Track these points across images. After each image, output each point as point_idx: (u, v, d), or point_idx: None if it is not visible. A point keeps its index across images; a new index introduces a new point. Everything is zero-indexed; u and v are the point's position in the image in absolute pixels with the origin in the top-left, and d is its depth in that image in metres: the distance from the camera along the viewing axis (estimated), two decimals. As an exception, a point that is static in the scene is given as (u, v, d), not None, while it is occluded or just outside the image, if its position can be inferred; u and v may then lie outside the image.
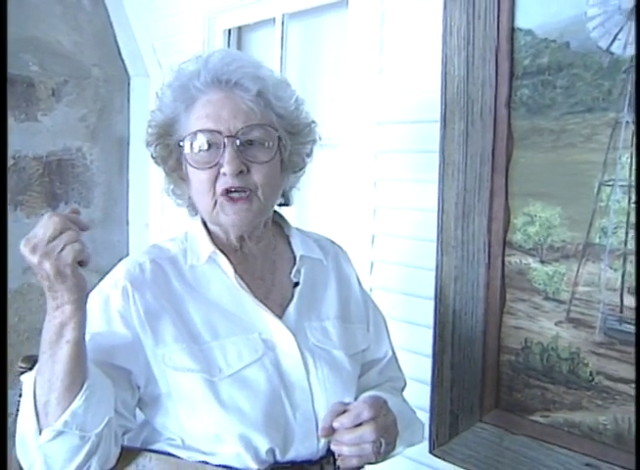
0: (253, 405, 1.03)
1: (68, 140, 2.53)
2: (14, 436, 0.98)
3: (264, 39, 2.19)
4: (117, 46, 2.63)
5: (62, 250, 0.87)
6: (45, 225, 0.88)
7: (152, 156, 1.16)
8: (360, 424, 0.96)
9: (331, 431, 0.96)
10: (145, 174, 2.64)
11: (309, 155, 1.20)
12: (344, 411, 0.97)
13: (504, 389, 1.42)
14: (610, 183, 1.22)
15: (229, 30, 2.30)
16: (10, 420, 2.11)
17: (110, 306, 1.05)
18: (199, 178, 1.08)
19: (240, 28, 2.30)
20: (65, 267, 0.88)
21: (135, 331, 1.04)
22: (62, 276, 0.88)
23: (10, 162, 2.35)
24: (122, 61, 2.65)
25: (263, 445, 1.02)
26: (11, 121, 2.33)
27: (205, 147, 1.06)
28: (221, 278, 1.12)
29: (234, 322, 1.09)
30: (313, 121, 1.19)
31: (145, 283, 1.08)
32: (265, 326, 1.10)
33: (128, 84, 2.67)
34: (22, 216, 2.38)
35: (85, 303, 0.93)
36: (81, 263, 0.90)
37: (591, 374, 1.27)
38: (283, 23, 2.06)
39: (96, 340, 0.98)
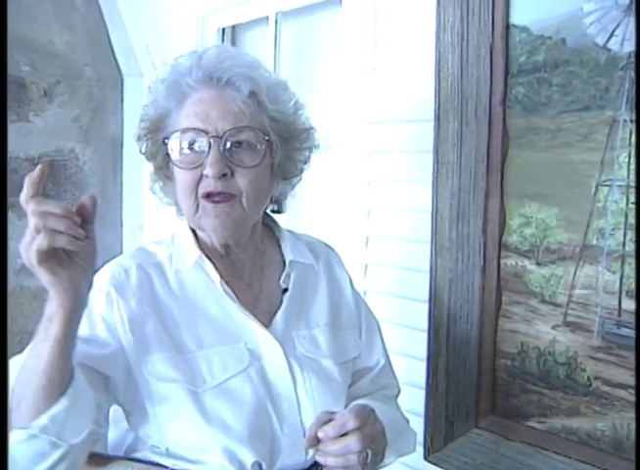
0: (238, 418, 1.00)
1: (61, 141, 2.51)
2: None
3: (258, 38, 2.17)
4: (111, 46, 2.61)
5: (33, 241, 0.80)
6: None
7: (140, 151, 1.12)
8: (346, 434, 0.92)
9: (316, 441, 0.93)
10: (139, 175, 2.61)
11: (306, 162, 1.16)
12: (330, 421, 0.94)
13: (500, 394, 1.39)
14: (607, 183, 1.19)
15: (223, 29, 2.28)
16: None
17: (92, 311, 1.02)
18: (182, 178, 1.04)
19: (234, 27, 2.28)
20: (31, 261, 0.81)
21: (117, 337, 1.01)
22: (34, 270, 0.82)
23: (1, 163, 2.33)
24: (116, 60, 2.63)
25: (248, 458, 0.99)
26: (2, 122, 2.31)
27: (191, 146, 1.03)
28: (207, 284, 1.08)
29: (219, 331, 1.06)
30: (312, 127, 1.15)
31: (129, 289, 1.05)
32: (252, 335, 1.07)
33: (121, 84, 2.65)
34: (14, 218, 2.34)
35: (77, 301, 0.86)
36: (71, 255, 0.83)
37: (589, 379, 1.24)
38: (276, 21, 2.05)
39: (77, 343, 0.94)
